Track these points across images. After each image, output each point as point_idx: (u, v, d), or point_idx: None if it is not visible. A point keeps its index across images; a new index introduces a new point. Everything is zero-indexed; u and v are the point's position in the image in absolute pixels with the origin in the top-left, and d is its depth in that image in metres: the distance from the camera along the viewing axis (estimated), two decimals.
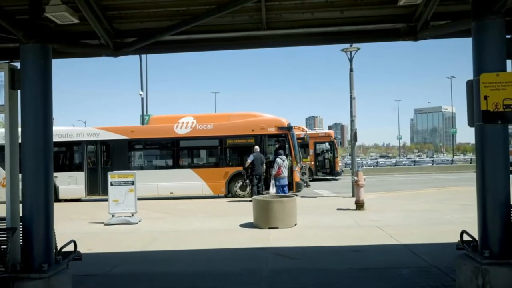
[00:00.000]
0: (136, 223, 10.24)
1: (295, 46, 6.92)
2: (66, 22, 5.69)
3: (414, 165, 35.23)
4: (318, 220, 10.02)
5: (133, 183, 10.49)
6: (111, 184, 10.50)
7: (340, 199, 14.21)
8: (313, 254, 6.87)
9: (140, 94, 31.77)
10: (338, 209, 11.64)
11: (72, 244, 4.72)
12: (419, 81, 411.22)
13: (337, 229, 8.80)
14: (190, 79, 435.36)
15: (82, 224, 10.50)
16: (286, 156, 16.31)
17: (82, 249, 7.62)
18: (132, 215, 10.41)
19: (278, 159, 13.46)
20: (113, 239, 8.62)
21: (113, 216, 10.37)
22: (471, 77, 4.55)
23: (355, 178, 11.40)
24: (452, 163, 34.07)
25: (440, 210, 10.88)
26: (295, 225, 9.19)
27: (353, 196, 14.46)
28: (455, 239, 4.76)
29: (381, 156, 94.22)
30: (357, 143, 15.71)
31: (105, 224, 10.20)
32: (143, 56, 33.80)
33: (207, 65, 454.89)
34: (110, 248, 7.72)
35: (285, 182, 13.62)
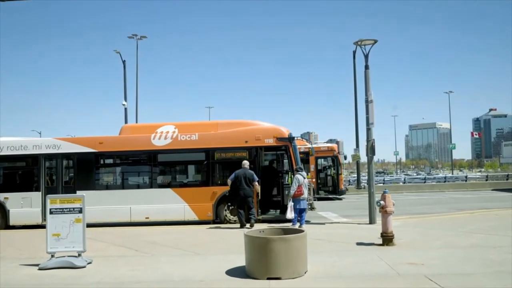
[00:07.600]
0: (83, 267, 7.36)
1: None
2: None
3: (424, 182, 32.53)
4: (336, 263, 7.19)
5: (80, 211, 7.63)
6: (51, 212, 7.63)
7: (355, 227, 11.40)
8: None
9: (124, 105, 29.12)
10: (358, 243, 8.85)
11: None
12: (413, 97, 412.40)
13: (368, 282, 5.98)
14: (183, 94, 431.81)
15: (9, 267, 7.60)
16: (287, 173, 13.61)
17: None
18: (79, 254, 7.54)
19: (298, 176, 10.87)
20: None
21: (52, 256, 7.50)
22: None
23: (382, 202, 8.65)
24: (466, 180, 31.42)
25: (496, 246, 8.11)
26: (306, 273, 6.39)
27: (370, 222, 11.75)
28: None
29: (378, 172, 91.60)
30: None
31: (39, 269, 7.32)
32: (133, 62, 30.95)
33: (201, 80, 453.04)
34: None
35: (305, 205, 11.02)
